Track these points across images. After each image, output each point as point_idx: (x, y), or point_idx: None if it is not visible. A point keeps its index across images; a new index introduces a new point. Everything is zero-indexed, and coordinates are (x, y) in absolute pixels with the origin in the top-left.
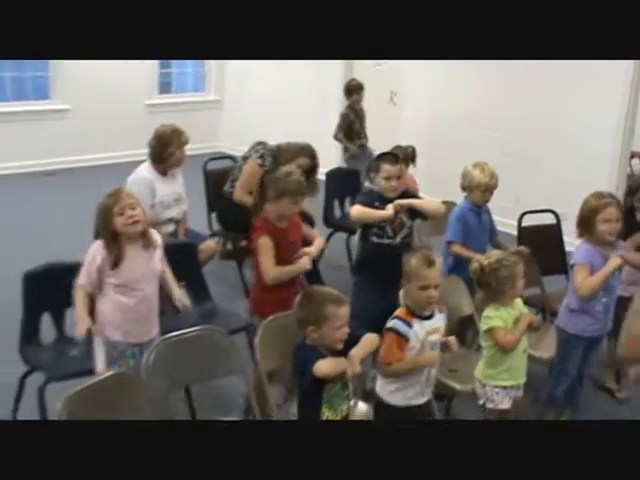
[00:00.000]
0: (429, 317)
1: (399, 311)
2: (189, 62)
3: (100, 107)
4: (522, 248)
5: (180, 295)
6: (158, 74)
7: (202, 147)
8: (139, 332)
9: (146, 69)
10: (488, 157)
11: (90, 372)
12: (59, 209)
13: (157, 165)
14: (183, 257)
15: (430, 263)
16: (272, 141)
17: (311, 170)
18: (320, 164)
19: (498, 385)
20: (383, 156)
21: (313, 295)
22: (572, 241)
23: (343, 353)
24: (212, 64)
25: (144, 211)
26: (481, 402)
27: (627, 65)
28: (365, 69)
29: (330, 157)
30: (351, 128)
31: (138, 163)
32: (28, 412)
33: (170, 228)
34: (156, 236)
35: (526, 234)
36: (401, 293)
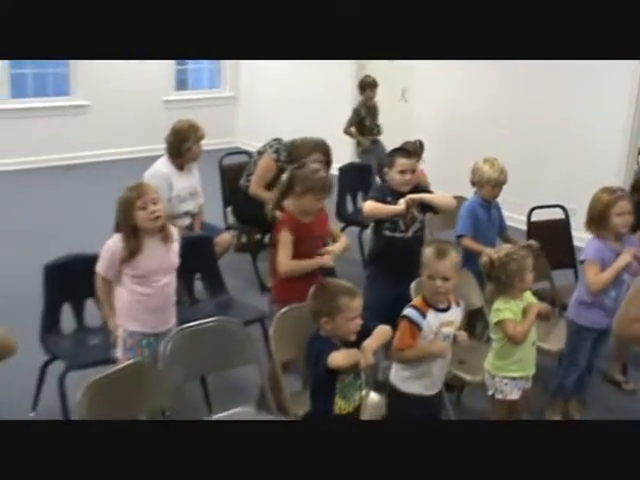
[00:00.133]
0: (445, 310)
1: (415, 300)
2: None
3: (119, 103)
4: (531, 242)
5: None
6: (175, 71)
7: (218, 142)
8: (156, 322)
9: (163, 67)
10: (498, 154)
11: (109, 361)
12: (78, 203)
13: (174, 160)
14: (199, 250)
15: (440, 255)
16: (286, 137)
17: (325, 165)
18: (333, 159)
19: (507, 376)
20: (397, 151)
21: (327, 287)
22: (581, 236)
23: (356, 344)
24: (227, 61)
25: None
26: (490, 393)
27: (635, 65)
28: (377, 67)
29: (343, 152)
30: (362, 123)
31: (156, 158)
32: (49, 400)
33: (186, 221)
34: (174, 230)
35: (535, 229)
36: (413, 284)
